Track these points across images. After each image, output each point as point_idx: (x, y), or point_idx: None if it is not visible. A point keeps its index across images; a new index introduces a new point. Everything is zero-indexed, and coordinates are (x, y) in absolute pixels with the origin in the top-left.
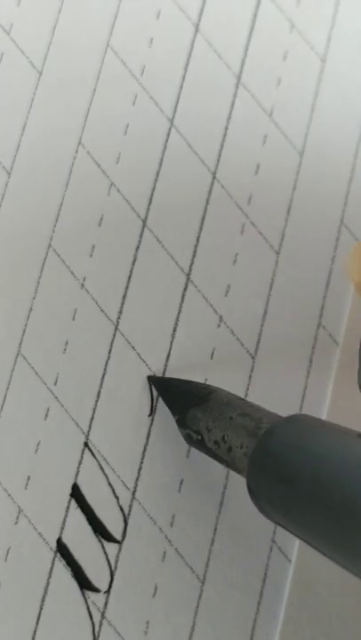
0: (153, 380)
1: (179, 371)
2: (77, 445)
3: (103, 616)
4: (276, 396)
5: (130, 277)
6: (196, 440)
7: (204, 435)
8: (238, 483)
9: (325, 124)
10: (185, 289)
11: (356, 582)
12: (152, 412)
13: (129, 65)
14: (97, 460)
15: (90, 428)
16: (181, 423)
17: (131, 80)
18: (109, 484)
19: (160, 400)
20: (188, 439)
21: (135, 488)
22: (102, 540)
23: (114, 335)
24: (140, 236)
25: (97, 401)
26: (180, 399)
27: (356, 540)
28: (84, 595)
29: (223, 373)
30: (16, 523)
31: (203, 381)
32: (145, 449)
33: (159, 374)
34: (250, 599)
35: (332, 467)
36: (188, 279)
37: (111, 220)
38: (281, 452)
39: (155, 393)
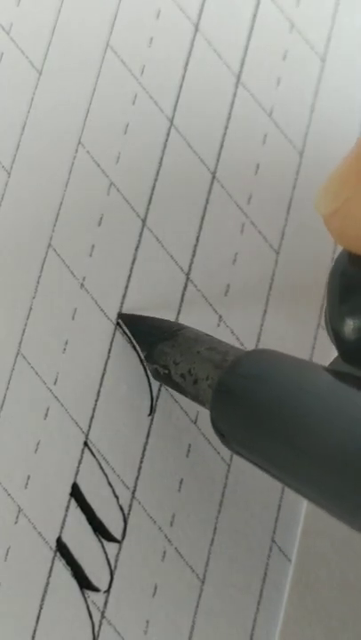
0: (123, 317)
1: None
2: (77, 445)
3: (103, 616)
4: None
5: (130, 277)
6: (162, 374)
7: (171, 368)
8: (238, 483)
9: (325, 124)
10: (185, 289)
11: (357, 582)
12: (152, 411)
13: (129, 65)
14: (97, 460)
15: (90, 427)
16: (149, 358)
17: (131, 80)
18: (109, 484)
19: (160, 400)
20: (156, 374)
21: (135, 488)
22: (102, 539)
23: (114, 335)
24: (140, 235)
25: (97, 401)
26: (149, 335)
27: (316, 468)
28: (83, 594)
29: None
30: (16, 522)
31: None
32: (145, 448)
33: None
34: (250, 599)
35: (296, 397)
36: (187, 279)
37: (111, 219)
38: (245, 382)
39: (155, 393)
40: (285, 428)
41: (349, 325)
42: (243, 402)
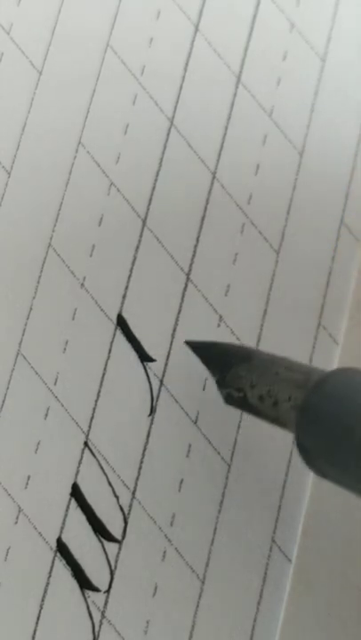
0: (191, 344)
1: (179, 370)
2: (77, 445)
3: (103, 615)
4: None
5: (130, 277)
6: (237, 398)
7: (247, 391)
8: (238, 483)
9: (325, 124)
10: (185, 289)
11: (357, 582)
12: (152, 411)
13: (129, 65)
14: (97, 460)
15: (90, 427)
16: (222, 383)
17: (131, 80)
18: (109, 484)
19: (160, 400)
20: (229, 399)
21: (135, 487)
22: (102, 539)
23: (114, 335)
24: (140, 235)
25: (97, 401)
26: (221, 359)
27: None
28: (83, 594)
29: None
30: (16, 522)
31: (202, 380)
32: (145, 448)
33: (159, 374)
34: (250, 599)
35: None
36: (187, 279)
37: (111, 219)
38: (333, 402)
39: (155, 393)
40: None
41: None
42: (331, 421)
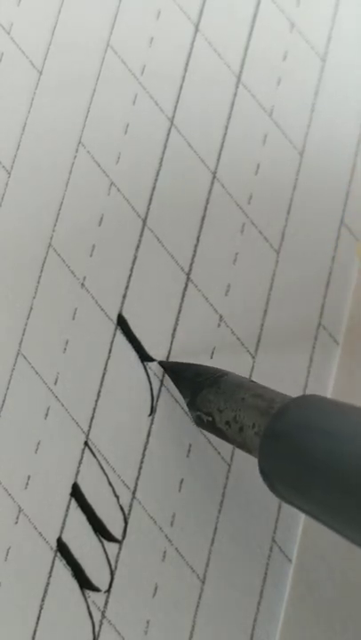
0: (164, 365)
1: None
2: (77, 445)
3: (103, 615)
4: None
5: (130, 277)
6: (206, 422)
7: (215, 416)
8: (238, 483)
9: (325, 124)
10: (185, 288)
11: (357, 582)
12: (152, 411)
13: (129, 65)
14: (97, 460)
15: (90, 427)
16: (192, 405)
17: (131, 80)
18: (109, 484)
19: (160, 400)
20: (199, 421)
21: (135, 487)
22: (102, 539)
23: (114, 335)
24: (140, 235)
25: (97, 401)
26: (192, 381)
27: None
28: (84, 594)
29: None
30: (16, 522)
31: None
32: (145, 448)
33: (159, 374)
34: (250, 599)
35: (347, 444)
36: (188, 279)
37: (111, 219)
38: (294, 429)
39: (155, 393)
40: (336, 474)
41: None
42: (291, 449)
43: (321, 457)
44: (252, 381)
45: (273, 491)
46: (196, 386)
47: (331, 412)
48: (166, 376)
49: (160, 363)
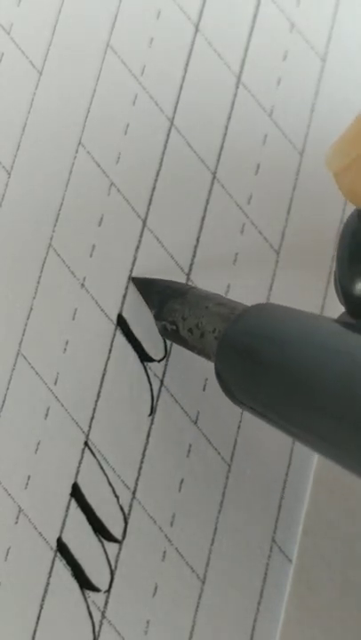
0: (135, 281)
1: (179, 370)
2: (77, 445)
3: (103, 615)
4: None
5: (130, 277)
6: (170, 331)
7: (178, 324)
8: (238, 483)
9: (325, 124)
10: None
11: (357, 582)
12: (152, 411)
13: (129, 65)
14: (97, 460)
15: (90, 427)
16: (158, 316)
17: (131, 80)
18: (109, 484)
19: (160, 400)
20: (163, 331)
21: (135, 488)
22: (102, 539)
23: (114, 335)
24: (140, 235)
25: (97, 401)
26: (160, 293)
27: (321, 417)
28: (84, 594)
29: None
30: (16, 522)
31: (202, 380)
32: (145, 448)
33: (159, 374)
34: (250, 599)
35: (297, 346)
36: (188, 279)
37: (111, 219)
38: (249, 333)
39: (155, 393)
40: (288, 377)
41: (359, 285)
42: (246, 354)
43: (274, 360)
44: (218, 294)
45: (226, 393)
46: (164, 297)
47: (285, 316)
48: (167, 375)
49: (132, 279)
